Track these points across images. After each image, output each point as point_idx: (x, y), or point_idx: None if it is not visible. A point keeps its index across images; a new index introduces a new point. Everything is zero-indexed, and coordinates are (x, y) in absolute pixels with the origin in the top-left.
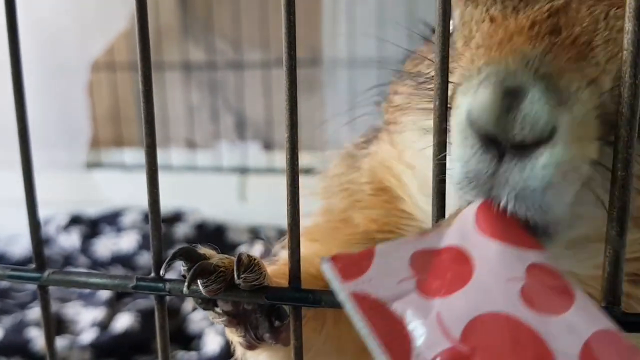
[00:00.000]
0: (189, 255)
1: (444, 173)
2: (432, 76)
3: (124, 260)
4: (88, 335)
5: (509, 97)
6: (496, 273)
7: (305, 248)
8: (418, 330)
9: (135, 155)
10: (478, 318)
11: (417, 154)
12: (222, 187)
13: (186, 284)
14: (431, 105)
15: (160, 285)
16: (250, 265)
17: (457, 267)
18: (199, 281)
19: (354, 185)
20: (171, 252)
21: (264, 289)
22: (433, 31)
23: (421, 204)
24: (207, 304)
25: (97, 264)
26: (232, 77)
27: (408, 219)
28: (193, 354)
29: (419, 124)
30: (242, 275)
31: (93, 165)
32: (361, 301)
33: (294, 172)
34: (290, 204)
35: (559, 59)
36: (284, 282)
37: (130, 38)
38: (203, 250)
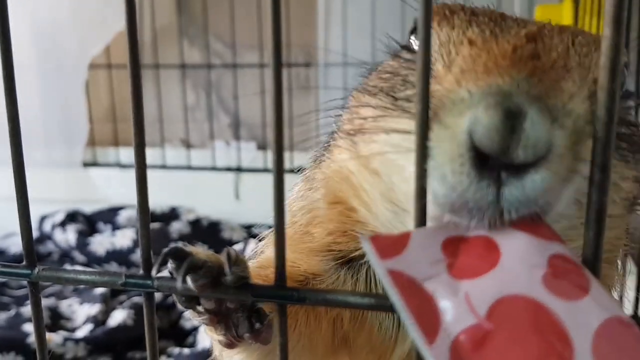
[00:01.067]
0: (178, 255)
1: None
2: (410, 95)
3: (119, 257)
4: (83, 331)
5: (510, 119)
6: (521, 260)
7: (271, 253)
8: (447, 307)
9: (132, 154)
10: (503, 299)
11: (387, 162)
12: (217, 186)
13: (180, 280)
14: (407, 123)
15: (149, 282)
16: (237, 261)
17: (486, 253)
18: (187, 277)
19: (312, 205)
20: (164, 249)
21: (249, 287)
22: (401, 47)
23: (382, 210)
24: (190, 302)
25: (93, 261)
26: (227, 77)
27: (362, 228)
28: (187, 350)
29: (392, 137)
30: (232, 269)
31: (90, 163)
32: (397, 278)
33: (279, 174)
34: (276, 203)
35: (544, 81)
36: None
37: (126, 39)
38: (189, 247)
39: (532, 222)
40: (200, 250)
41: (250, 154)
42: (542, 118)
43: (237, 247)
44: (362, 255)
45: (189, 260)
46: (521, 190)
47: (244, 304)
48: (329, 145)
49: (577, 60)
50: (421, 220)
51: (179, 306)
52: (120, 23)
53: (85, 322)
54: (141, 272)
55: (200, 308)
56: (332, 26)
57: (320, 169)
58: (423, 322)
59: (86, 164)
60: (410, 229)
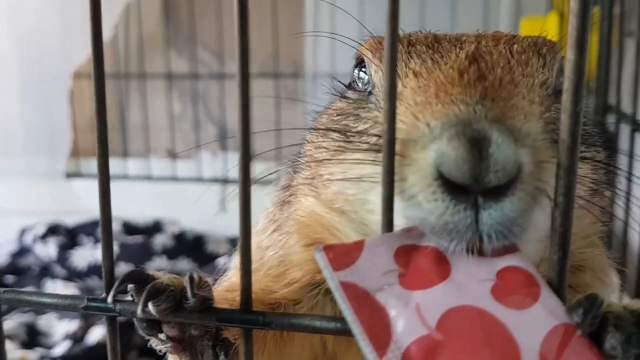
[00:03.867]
0: (138, 278)
1: (392, 225)
2: (363, 130)
3: (101, 271)
4: (61, 349)
5: (476, 147)
6: (471, 274)
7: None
8: (398, 318)
9: (115, 165)
10: (453, 310)
11: (350, 200)
12: (203, 197)
13: (141, 305)
14: (362, 156)
15: (111, 306)
16: (201, 283)
17: (437, 266)
18: (149, 302)
19: (286, 251)
20: (149, 264)
21: (213, 311)
22: (347, 87)
23: None
24: (152, 329)
25: (74, 275)
26: (214, 87)
27: None
28: None
29: (349, 173)
30: (195, 292)
31: (73, 174)
32: (348, 290)
33: (246, 190)
34: (242, 224)
35: (497, 101)
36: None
37: (113, 48)
38: (151, 272)
39: None
40: (161, 274)
41: (236, 165)
42: (506, 139)
43: (221, 260)
44: None
45: (151, 286)
46: (500, 212)
47: (208, 331)
48: (291, 188)
49: (520, 71)
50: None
51: (141, 333)
52: (105, 33)
53: (63, 339)
54: (104, 295)
55: (162, 336)
56: (319, 38)
57: (288, 214)
58: (374, 335)
59: (69, 175)
60: (364, 238)
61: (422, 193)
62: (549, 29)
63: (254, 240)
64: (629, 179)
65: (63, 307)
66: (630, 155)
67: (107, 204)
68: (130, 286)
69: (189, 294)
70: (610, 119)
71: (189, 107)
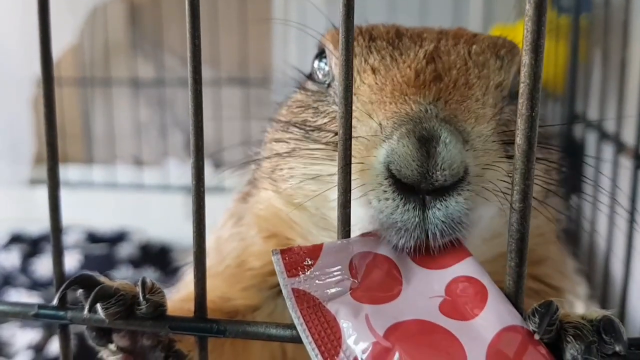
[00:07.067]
0: (86, 283)
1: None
2: (322, 125)
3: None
4: (22, 358)
5: (425, 145)
6: (420, 292)
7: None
8: (349, 328)
9: (80, 173)
10: (400, 323)
11: (311, 196)
12: (169, 206)
13: (87, 306)
14: (321, 154)
15: (62, 313)
16: (153, 289)
17: (389, 281)
18: (98, 306)
19: (245, 242)
20: (114, 273)
21: (167, 319)
22: (307, 77)
23: (320, 238)
24: (101, 338)
25: (37, 284)
26: (181, 94)
27: None
28: None
29: (309, 169)
30: (147, 296)
31: (37, 181)
32: (300, 298)
33: (199, 195)
34: (195, 231)
35: (450, 103)
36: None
37: (77, 53)
38: (102, 278)
39: (434, 254)
40: (111, 280)
41: (205, 173)
42: (454, 139)
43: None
44: None
45: (99, 288)
46: (444, 211)
47: (161, 341)
48: (254, 181)
49: (476, 73)
50: None
51: (91, 343)
52: (69, 38)
53: (25, 349)
54: (54, 302)
55: (112, 346)
56: (288, 45)
57: (248, 206)
58: (324, 345)
59: (33, 182)
60: (323, 241)
61: (374, 192)
62: (518, 36)
63: (215, 235)
64: (595, 186)
65: (13, 314)
66: (597, 162)
67: (56, 211)
68: (79, 291)
69: (141, 298)
70: (578, 127)
71: (155, 114)
